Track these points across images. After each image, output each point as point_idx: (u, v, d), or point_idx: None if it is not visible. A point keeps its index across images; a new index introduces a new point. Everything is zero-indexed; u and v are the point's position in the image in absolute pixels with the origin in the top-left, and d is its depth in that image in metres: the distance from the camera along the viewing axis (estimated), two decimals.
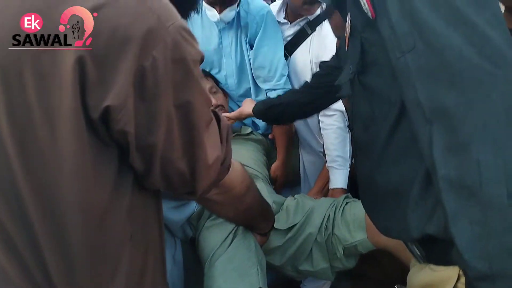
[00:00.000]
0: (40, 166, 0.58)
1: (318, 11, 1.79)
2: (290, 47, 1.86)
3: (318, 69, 1.49)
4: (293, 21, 1.83)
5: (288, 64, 1.86)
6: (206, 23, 1.78)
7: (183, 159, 0.65)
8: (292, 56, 1.86)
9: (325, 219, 1.36)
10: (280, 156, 1.87)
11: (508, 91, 0.55)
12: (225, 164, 0.75)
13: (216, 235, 1.25)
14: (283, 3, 1.87)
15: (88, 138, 0.57)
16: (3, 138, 0.58)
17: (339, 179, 1.73)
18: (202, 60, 0.64)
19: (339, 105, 1.71)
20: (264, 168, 1.75)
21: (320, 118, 1.79)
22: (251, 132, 1.88)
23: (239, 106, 1.80)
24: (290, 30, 1.85)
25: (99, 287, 0.65)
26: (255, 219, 1.16)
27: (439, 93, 0.57)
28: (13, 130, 0.57)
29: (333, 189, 1.73)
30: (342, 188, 1.72)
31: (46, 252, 0.61)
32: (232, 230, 1.24)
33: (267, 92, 1.81)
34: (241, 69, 1.84)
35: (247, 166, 1.61)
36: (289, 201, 1.49)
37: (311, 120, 1.89)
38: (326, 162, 1.80)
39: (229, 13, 1.67)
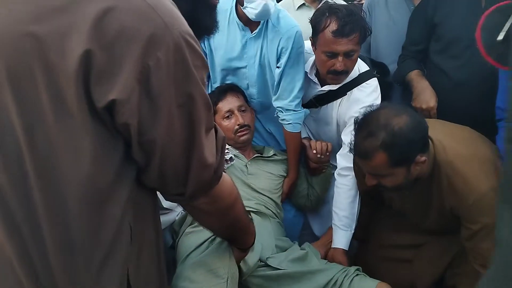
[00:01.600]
0: (47, 149, 0.61)
1: (347, 80, 1.79)
2: (318, 101, 1.88)
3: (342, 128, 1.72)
4: (324, 84, 1.83)
5: (316, 113, 1.90)
6: (232, 31, 1.79)
7: (181, 156, 0.69)
8: (321, 108, 1.88)
9: (332, 282, 1.42)
10: (290, 172, 1.88)
11: None
12: (217, 173, 0.77)
13: (193, 240, 1.34)
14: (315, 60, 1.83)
15: (94, 126, 0.61)
16: (12, 123, 0.61)
17: (342, 240, 1.72)
18: (204, 66, 0.69)
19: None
20: (278, 198, 1.79)
21: (335, 175, 1.80)
22: (274, 154, 1.89)
23: (259, 120, 1.91)
24: (319, 91, 1.85)
25: (91, 269, 0.66)
26: (237, 233, 1.15)
27: None
28: (22, 116, 0.60)
29: (334, 248, 1.72)
30: (343, 249, 1.71)
31: (44, 230, 0.63)
32: (209, 238, 1.31)
33: (277, 112, 1.83)
34: (263, 79, 1.86)
35: (257, 201, 1.67)
36: (295, 249, 1.56)
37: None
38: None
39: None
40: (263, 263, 1.43)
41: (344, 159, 1.75)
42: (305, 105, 1.92)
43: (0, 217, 0.63)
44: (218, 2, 0.87)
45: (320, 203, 1.95)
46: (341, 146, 1.81)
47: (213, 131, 0.75)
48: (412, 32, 2.06)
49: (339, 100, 1.84)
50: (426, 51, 2.03)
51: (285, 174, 1.87)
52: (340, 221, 1.73)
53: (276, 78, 1.79)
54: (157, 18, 0.60)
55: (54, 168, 0.62)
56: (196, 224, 1.41)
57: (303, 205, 1.94)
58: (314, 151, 1.79)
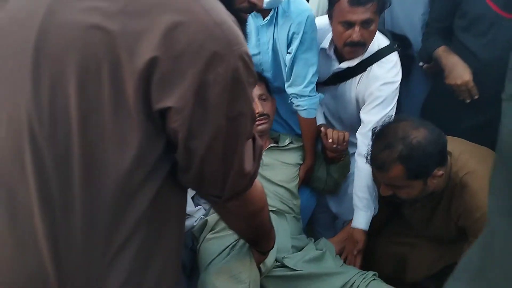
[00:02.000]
0: (96, 141, 0.64)
1: (366, 55, 1.73)
2: (336, 79, 1.84)
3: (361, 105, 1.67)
4: (342, 61, 1.78)
5: (334, 91, 1.87)
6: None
7: (221, 164, 0.72)
8: (339, 85, 1.84)
9: (349, 284, 1.43)
10: (307, 159, 1.87)
11: None
12: (252, 179, 0.81)
13: (215, 246, 1.37)
14: None
15: (145, 125, 0.64)
16: (69, 111, 0.63)
17: (362, 220, 1.72)
18: (255, 82, 0.73)
19: None
20: (295, 187, 1.78)
21: (355, 156, 1.77)
22: (290, 143, 1.86)
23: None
24: (337, 69, 1.80)
25: (105, 260, 0.68)
26: (260, 237, 1.19)
27: None
28: (80, 106, 0.63)
29: (353, 228, 1.73)
30: (363, 230, 1.72)
31: (76, 216, 0.65)
32: (231, 244, 1.34)
33: (291, 98, 1.79)
34: (276, 65, 1.82)
35: (273, 196, 1.67)
36: (311, 249, 1.57)
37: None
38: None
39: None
40: (279, 263, 1.46)
41: (364, 139, 1.71)
42: (323, 83, 1.87)
43: (40, 197, 0.65)
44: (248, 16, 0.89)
45: (338, 187, 1.95)
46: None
47: (251, 140, 0.79)
48: (436, 8, 1.95)
49: (358, 77, 1.79)
50: (451, 28, 1.92)
51: (301, 162, 1.86)
52: (361, 202, 1.73)
53: (288, 64, 1.74)
54: (221, 37, 0.64)
55: (98, 159, 0.65)
56: (216, 230, 1.44)
57: (320, 189, 1.95)
58: (330, 140, 1.75)
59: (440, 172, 1.37)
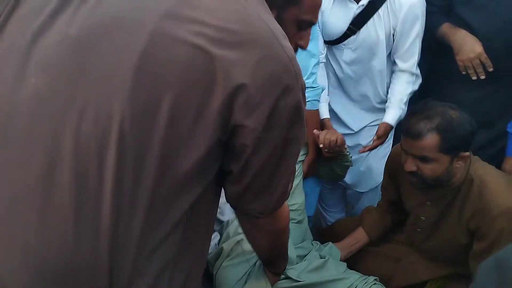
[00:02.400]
0: (175, 143, 0.69)
1: None
2: (358, 21, 1.80)
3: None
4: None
5: (355, 41, 1.85)
6: None
7: (271, 180, 0.80)
8: (361, 31, 1.82)
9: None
10: (310, 152, 1.85)
11: None
12: (286, 197, 0.89)
13: (232, 274, 1.39)
14: None
15: (218, 134, 0.71)
16: (159, 114, 0.68)
17: (389, 116, 1.88)
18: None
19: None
20: (299, 188, 1.77)
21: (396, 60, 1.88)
22: None
23: None
24: (358, 9, 1.80)
25: (146, 252, 0.72)
26: (278, 257, 1.23)
27: None
28: (170, 110, 0.68)
29: (382, 122, 1.89)
30: (389, 125, 1.88)
31: (141, 205, 0.69)
32: (247, 271, 1.37)
33: None
34: None
35: None
36: (314, 257, 1.60)
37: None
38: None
39: None
40: (284, 276, 1.48)
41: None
42: (339, 39, 1.85)
43: (113, 191, 0.68)
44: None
45: (343, 178, 1.96)
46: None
47: None
48: None
49: (381, 13, 1.79)
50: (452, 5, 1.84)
51: (303, 158, 1.83)
52: (394, 101, 1.88)
53: None
54: (292, 70, 0.74)
55: (171, 163, 0.70)
56: (232, 256, 1.45)
57: (327, 178, 1.96)
58: (321, 145, 1.72)
59: (467, 154, 1.47)
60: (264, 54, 0.71)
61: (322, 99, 1.90)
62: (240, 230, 1.49)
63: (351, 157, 1.84)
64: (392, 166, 1.73)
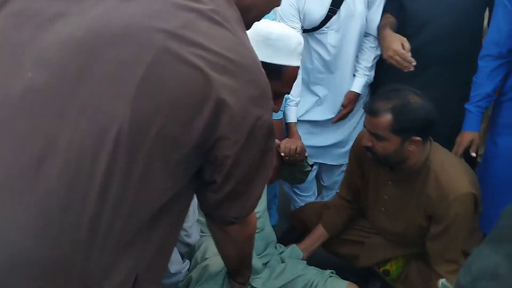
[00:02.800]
0: (162, 149, 0.74)
1: None
2: (336, 3, 1.90)
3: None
4: None
5: (337, 21, 1.94)
6: None
7: (248, 188, 0.88)
8: (341, 9, 1.92)
9: (309, 284, 1.60)
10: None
11: None
12: (257, 202, 0.95)
13: None
14: None
15: (197, 143, 0.77)
16: (153, 122, 0.73)
17: (357, 84, 2.06)
18: None
19: None
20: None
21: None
22: None
23: None
24: None
25: (121, 245, 0.75)
26: (244, 265, 1.31)
27: None
28: (162, 119, 0.73)
29: (351, 91, 2.07)
30: (356, 93, 2.07)
31: (125, 204, 0.73)
32: None
33: None
34: None
35: None
36: (276, 262, 1.68)
37: None
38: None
39: None
40: (250, 286, 1.55)
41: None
42: (321, 23, 1.93)
43: (101, 186, 0.71)
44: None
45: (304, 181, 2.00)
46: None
47: None
48: None
49: None
50: None
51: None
52: (359, 69, 2.05)
53: None
54: (268, 93, 0.83)
55: (156, 167, 0.75)
56: (201, 282, 1.51)
57: (289, 182, 2.02)
58: (282, 154, 1.75)
59: (418, 139, 1.53)
60: (249, 79, 0.79)
61: (291, 103, 1.97)
62: (207, 254, 1.59)
63: (312, 165, 1.88)
64: (358, 149, 1.78)
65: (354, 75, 2.09)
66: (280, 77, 1.15)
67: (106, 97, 0.72)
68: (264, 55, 1.04)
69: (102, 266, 0.74)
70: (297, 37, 1.21)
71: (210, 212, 0.93)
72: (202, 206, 0.93)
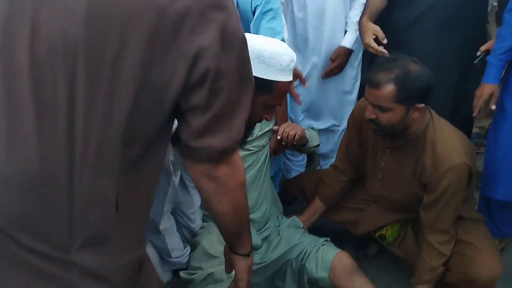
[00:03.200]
0: (126, 68, 0.76)
1: None
2: None
3: None
4: None
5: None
6: None
7: (234, 106, 0.86)
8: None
9: (303, 253, 1.66)
10: (278, 124, 1.86)
11: None
12: (242, 135, 0.93)
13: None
14: None
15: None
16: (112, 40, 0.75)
17: (347, 39, 2.11)
18: None
19: None
20: (260, 169, 1.80)
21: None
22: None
23: None
24: None
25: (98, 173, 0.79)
26: (243, 226, 1.14)
27: None
28: (121, 40, 0.75)
29: (341, 47, 2.11)
30: (348, 49, 2.12)
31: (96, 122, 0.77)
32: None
33: None
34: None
35: None
36: (274, 235, 1.74)
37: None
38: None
39: None
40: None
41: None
42: None
43: (67, 107, 0.75)
44: None
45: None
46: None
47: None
48: None
49: None
50: None
51: (266, 143, 1.82)
52: (350, 25, 2.09)
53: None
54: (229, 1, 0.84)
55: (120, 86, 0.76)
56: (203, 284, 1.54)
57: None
58: (279, 137, 1.72)
59: (422, 105, 1.55)
60: None
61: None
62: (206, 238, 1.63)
63: (318, 144, 1.89)
64: (358, 116, 1.79)
65: (345, 30, 2.11)
66: (271, 91, 1.21)
67: (56, 20, 0.74)
68: (257, 71, 1.09)
69: (86, 190, 0.78)
70: (289, 55, 1.23)
71: (196, 145, 0.88)
72: (186, 142, 0.88)
